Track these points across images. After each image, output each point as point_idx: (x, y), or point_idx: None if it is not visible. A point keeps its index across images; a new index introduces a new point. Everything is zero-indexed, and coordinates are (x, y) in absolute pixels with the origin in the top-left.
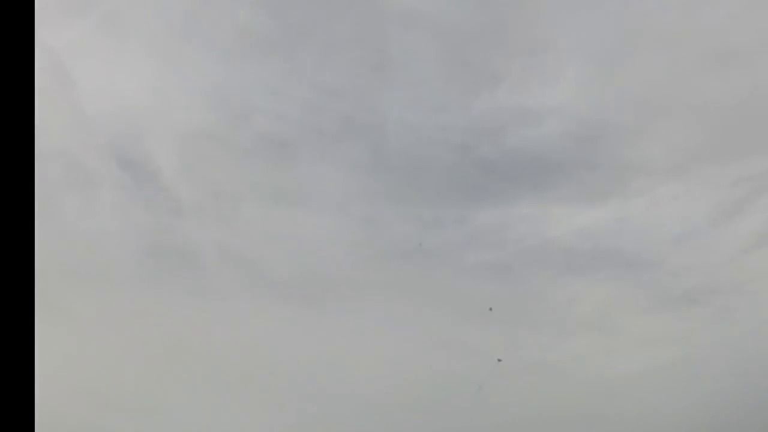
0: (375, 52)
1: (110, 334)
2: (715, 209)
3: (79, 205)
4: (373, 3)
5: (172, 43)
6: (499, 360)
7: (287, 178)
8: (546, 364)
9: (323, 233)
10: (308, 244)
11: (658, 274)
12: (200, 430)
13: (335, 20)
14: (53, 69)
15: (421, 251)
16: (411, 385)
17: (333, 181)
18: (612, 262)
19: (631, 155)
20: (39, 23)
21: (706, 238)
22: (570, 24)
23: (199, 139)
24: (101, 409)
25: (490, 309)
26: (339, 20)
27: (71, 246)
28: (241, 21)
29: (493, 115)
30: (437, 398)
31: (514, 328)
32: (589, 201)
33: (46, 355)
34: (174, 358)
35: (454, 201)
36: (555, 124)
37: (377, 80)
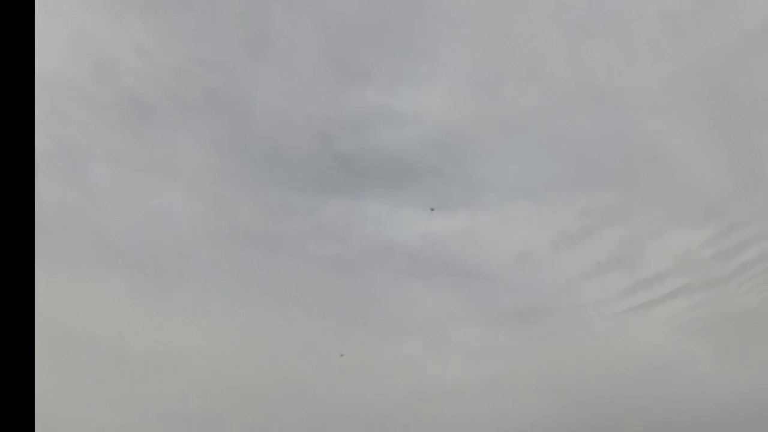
0: (255, 32)
1: None
2: (559, 235)
3: None
4: None
5: None
6: (342, 355)
7: (143, 143)
8: (378, 363)
9: (171, 205)
10: (154, 214)
11: (495, 289)
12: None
13: None
14: None
15: (266, 237)
16: (243, 369)
17: (189, 153)
18: (452, 271)
19: (486, 171)
20: None
21: (547, 260)
22: (453, 38)
23: (57, 89)
24: None
25: (342, 355)
26: None
27: None
28: None
29: (359, 112)
30: (274, 386)
31: (350, 326)
32: (438, 209)
33: None
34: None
35: (306, 190)
36: (418, 129)
37: (252, 60)
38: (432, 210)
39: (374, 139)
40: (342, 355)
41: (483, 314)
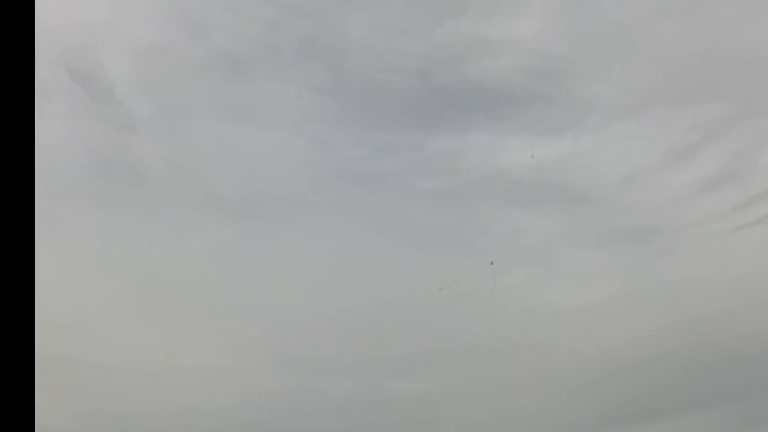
0: None
1: (54, 249)
2: (666, 152)
3: None
4: None
5: None
6: (492, 263)
7: (242, 96)
8: (490, 291)
9: (274, 153)
10: (258, 163)
11: (604, 211)
12: (144, 347)
13: None
14: None
15: (371, 176)
16: (354, 309)
17: (288, 100)
18: (560, 196)
19: (587, 93)
20: None
21: (655, 179)
22: None
23: (154, 53)
24: (41, 324)
25: (491, 263)
26: None
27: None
28: None
29: (454, 44)
30: (379, 324)
31: (458, 256)
32: (543, 135)
33: None
34: (118, 273)
35: (408, 127)
36: (516, 56)
37: (342, 1)
38: (492, 263)
39: (473, 70)
40: (441, 289)
41: (592, 237)
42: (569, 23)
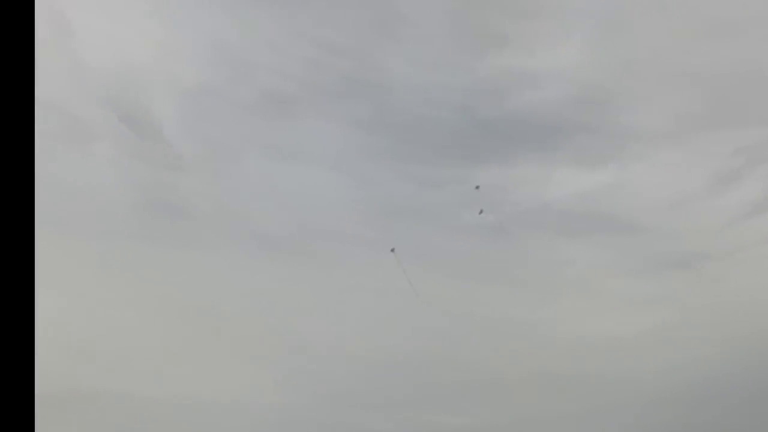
0: (382, 10)
1: (106, 287)
2: (712, 177)
3: (78, 157)
4: None
5: None
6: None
7: (287, 134)
8: (536, 323)
9: (320, 189)
10: (304, 199)
11: (652, 239)
12: (192, 383)
13: None
14: (53, 20)
15: (417, 210)
16: (401, 340)
17: (332, 137)
18: (607, 226)
19: (630, 121)
20: None
21: (701, 205)
22: None
23: (200, 94)
24: (94, 360)
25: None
26: None
27: (68, 199)
28: None
29: (496, 77)
30: (426, 353)
31: (506, 287)
32: (588, 165)
33: (42, 310)
34: (167, 310)
35: (453, 161)
36: (557, 87)
37: (382, 37)
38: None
39: (515, 103)
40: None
41: (640, 265)
42: (609, 52)
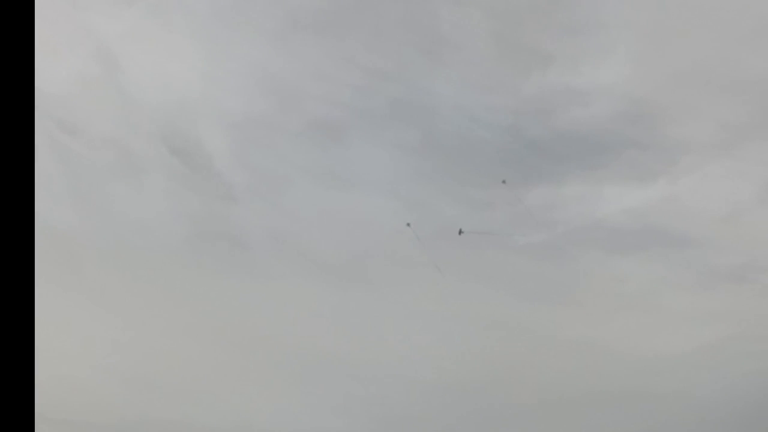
0: (425, 33)
1: (161, 319)
2: (765, 187)
3: (130, 192)
4: None
5: (221, 28)
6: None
7: (337, 161)
8: (592, 342)
9: (371, 214)
10: (356, 224)
11: (706, 252)
12: (251, 412)
13: (384, 1)
14: (101, 57)
15: (470, 232)
16: (459, 364)
17: (383, 163)
18: (659, 241)
19: (679, 133)
20: (87, 11)
21: (755, 215)
22: (620, 2)
23: (248, 124)
24: (151, 393)
25: (503, 181)
26: (388, 1)
27: (122, 233)
28: (289, 4)
29: (543, 96)
30: (485, 376)
31: (561, 307)
32: (638, 180)
33: (98, 341)
34: (224, 341)
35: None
36: (604, 103)
37: (427, 61)
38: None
39: (563, 121)
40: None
41: (695, 280)
42: (655, 65)
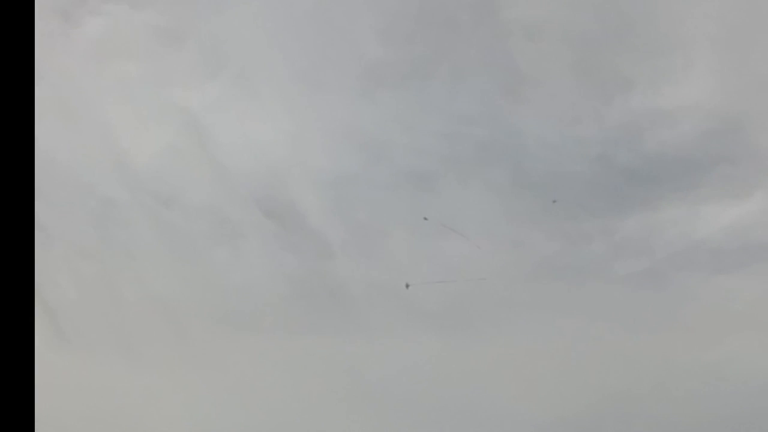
0: (503, 72)
1: (265, 378)
2: None
3: (229, 256)
4: (497, 22)
5: (303, 89)
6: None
7: (430, 208)
8: (703, 366)
9: (469, 259)
10: (456, 270)
11: None
12: None
13: (461, 46)
14: (192, 129)
15: (569, 268)
16: (573, 401)
17: (475, 206)
18: (763, 255)
19: None
20: (175, 86)
21: None
22: (693, 14)
23: (339, 180)
24: None
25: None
26: (465, 46)
27: (223, 297)
28: (368, 58)
29: (628, 121)
30: (603, 411)
31: (669, 333)
32: (733, 196)
33: (205, 405)
34: (331, 396)
35: (598, 213)
36: (691, 121)
37: (509, 101)
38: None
39: (651, 144)
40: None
41: None
42: (737, 76)
